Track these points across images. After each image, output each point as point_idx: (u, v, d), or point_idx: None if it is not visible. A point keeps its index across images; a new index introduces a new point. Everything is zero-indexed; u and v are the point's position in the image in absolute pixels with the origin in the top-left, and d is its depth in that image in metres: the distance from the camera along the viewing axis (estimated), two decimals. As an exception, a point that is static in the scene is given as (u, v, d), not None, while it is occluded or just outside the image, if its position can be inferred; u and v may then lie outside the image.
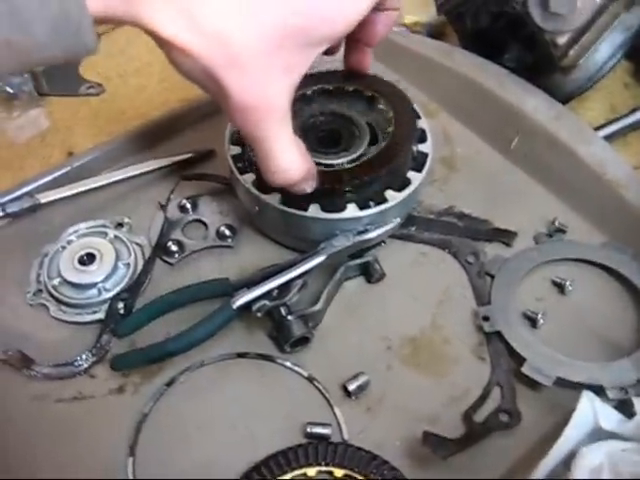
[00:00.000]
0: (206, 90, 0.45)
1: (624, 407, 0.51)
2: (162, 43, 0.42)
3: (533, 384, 0.54)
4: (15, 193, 0.63)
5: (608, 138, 0.69)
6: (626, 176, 0.62)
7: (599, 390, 0.52)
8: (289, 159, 0.49)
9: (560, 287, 0.60)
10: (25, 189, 0.64)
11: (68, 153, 0.72)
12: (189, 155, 0.68)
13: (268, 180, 0.50)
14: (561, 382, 0.53)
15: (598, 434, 0.49)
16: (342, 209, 0.57)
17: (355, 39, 0.57)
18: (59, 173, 0.66)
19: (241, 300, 0.54)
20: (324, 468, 0.50)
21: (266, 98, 0.44)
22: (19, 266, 0.61)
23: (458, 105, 0.72)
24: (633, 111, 0.71)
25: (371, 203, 0.58)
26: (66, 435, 0.53)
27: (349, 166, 0.58)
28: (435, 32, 0.81)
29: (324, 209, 0.57)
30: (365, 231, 0.58)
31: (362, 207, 0.57)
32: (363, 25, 0.50)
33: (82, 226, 0.63)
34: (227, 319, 0.54)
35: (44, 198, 0.62)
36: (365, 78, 0.63)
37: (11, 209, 0.61)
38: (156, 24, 0.40)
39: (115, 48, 0.86)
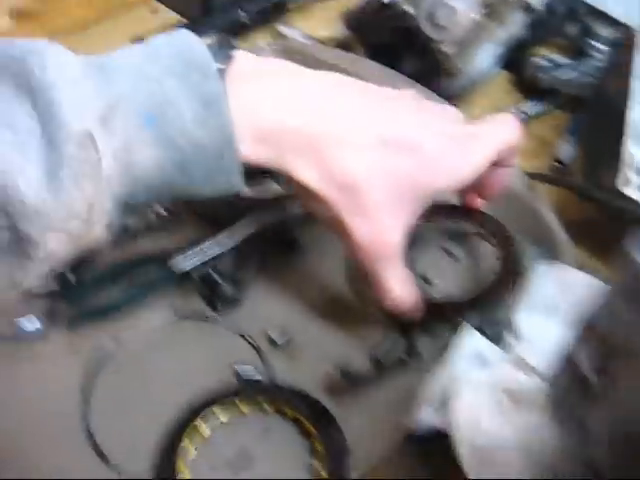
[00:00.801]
0: (327, 226, 0.54)
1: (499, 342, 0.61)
2: (298, 187, 0.50)
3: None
4: None
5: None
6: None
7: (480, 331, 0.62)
8: (398, 293, 0.57)
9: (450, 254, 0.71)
10: None
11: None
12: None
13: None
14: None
15: (481, 361, 0.59)
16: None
17: (468, 190, 0.62)
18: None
19: (180, 265, 0.63)
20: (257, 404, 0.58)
21: (383, 241, 0.52)
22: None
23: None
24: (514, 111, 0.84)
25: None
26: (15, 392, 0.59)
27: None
28: (345, 45, 0.91)
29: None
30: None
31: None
32: (478, 180, 0.57)
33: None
34: (165, 279, 0.64)
35: None
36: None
37: None
38: (295, 171, 0.48)
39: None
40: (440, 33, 0.73)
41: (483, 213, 0.70)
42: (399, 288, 0.57)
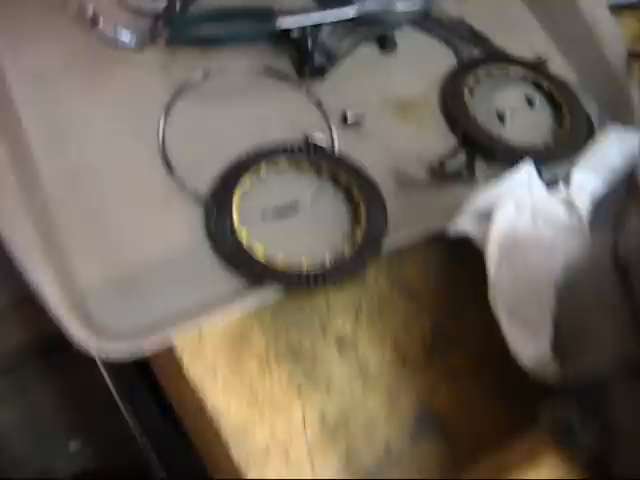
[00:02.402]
0: None
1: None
2: None
3: (489, 157, 0.68)
4: None
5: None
6: (611, 36, 0.75)
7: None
8: None
9: (530, 102, 0.73)
10: None
11: None
12: None
13: None
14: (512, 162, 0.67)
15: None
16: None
17: None
18: None
19: (282, 23, 0.66)
20: (314, 164, 0.63)
21: None
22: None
23: None
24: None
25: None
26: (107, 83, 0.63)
27: None
28: None
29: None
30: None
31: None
32: None
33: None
34: (265, 33, 0.66)
35: None
36: None
37: None
38: None
39: None
40: None
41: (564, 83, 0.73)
42: None
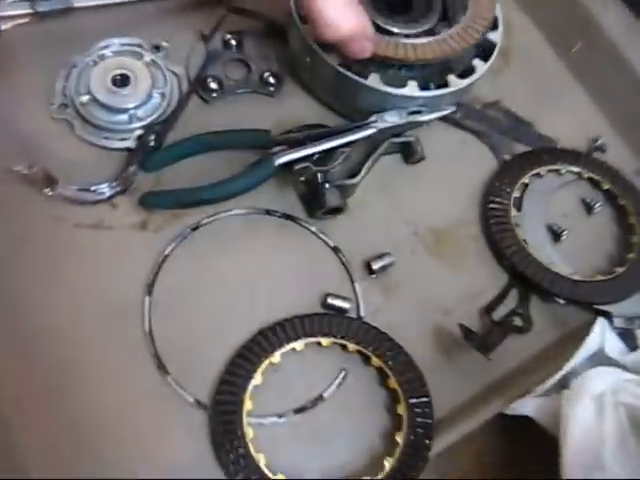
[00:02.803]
0: None
1: (627, 337, 0.54)
2: None
3: (545, 294, 0.55)
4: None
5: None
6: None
7: (607, 316, 0.54)
8: (338, 11, 0.47)
9: (588, 207, 0.60)
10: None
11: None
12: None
13: (318, 35, 0.49)
14: (574, 301, 0.55)
15: (599, 358, 0.51)
16: (402, 85, 0.54)
17: None
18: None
19: (284, 158, 0.52)
20: (338, 340, 0.51)
21: None
22: (44, 73, 0.56)
23: (526, -8, 0.68)
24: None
25: (431, 84, 0.55)
26: (82, 262, 0.51)
27: (417, 42, 0.54)
28: None
29: (384, 81, 0.54)
30: (418, 112, 0.55)
31: (422, 87, 0.54)
32: None
33: (116, 41, 0.57)
34: (267, 175, 0.52)
35: (78, 1, 0.56)
36: None
37: (41, 8, 0.55)
38: None
39: None
40: None
41: (624, 177, 0.61)
42: (338, 7, 0.47)
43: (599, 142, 0.62)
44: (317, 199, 0.54)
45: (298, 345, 0.50)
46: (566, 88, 0.65)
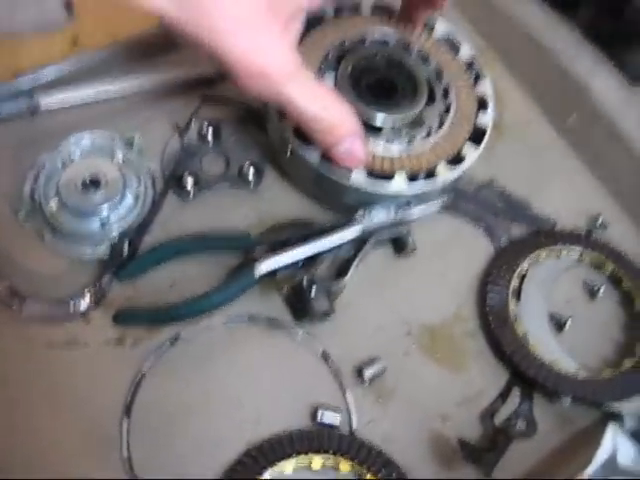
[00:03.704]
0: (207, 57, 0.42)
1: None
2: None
3: (550, 394, 0.52)
4: (10, 90, 0.54)
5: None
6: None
7: (617, 416, 0.51)
8: (323, 111, 0.45)
9: (591, 292, 0.57)
10: (23, 86, 0.54)
11: (72, 41, 0.61)
12: (215, 70, 0.59)
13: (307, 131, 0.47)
14: (581, 400, 0.52)
15: (612, 468, 0.48)
16: (389, 178, 0.51)
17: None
18: (63, 70, 0.56)
19: (264, 268, 0.49)
20: (330, 457, 0.48)
21: (271, 60, 0.42)
22: (11, 176, 0.53)
23: (517, 61, 0.65)
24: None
25: (420, 174, 0.52)
26: (56, 385, 0.48)
27: (409, 152, 0.52)
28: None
29: (369, 175, 0.51)
30: (407, 206, 0.52)
31: (411, 179, 0.51)
32: None
33: (86, 137, 0.54)
34: (247, 287, 0.49)
35: (45, 100, 0.54)
36: None
37: (6, 110, 0.52)
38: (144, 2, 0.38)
39: None
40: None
41: (629, 259, 0.57)
42: (309, 103, 0.45)
43: (600, 220, 0.59)
44: (303, 305, 0.50)
45: (288, 465, 0.47)
46: (562, 162, 0.62)
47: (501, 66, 0.66)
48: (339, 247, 0.52)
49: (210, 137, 0.57)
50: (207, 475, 0.46)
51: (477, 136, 0.54)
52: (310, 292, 0.50)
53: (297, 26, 0.44)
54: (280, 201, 0.56)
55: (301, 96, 0.44)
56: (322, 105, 0.45)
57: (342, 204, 0.53)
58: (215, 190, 0.55)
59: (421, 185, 0.51)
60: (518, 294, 0.55)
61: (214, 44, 0.40)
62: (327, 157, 0.49)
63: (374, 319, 0.53)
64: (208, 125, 0.57)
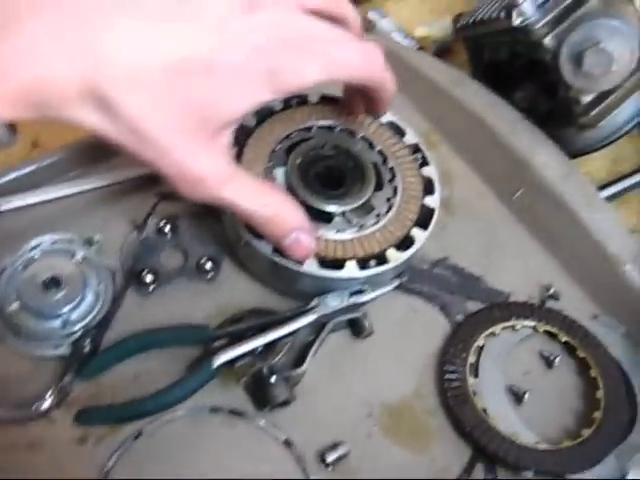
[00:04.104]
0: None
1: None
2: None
3: (512, 467, 0.53)
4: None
5: (611, 197, 0.67)
6: (627, 250, 0.60)
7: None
8: (263, 208, 0.47)
9: (548, 362, 0.58)
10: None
11: (33, 144, 0.63)
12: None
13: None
14: (543, 473, 0.52)
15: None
16: (340, 267, 0.53)
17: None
18: (22, 174, 0.58)
19: (222, 359, 0.50)
20: None
21: (203, 168, 0.43)
22: (-28, 281, 0.54)
23: (463, 141, 0.68)
24: (636, 171, 0.69)
25: (371, 262, 0.54)
26: (18, 490, 0.48)
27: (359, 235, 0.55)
28: (443, 49, 0.75)
29: (321, 263, 0.53)
30: (361, 291, 0.54)
31: (362, 267, 0.53)
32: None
33: (47, 239, 0.56)
34: (206, 380, 0.50)
35: (4, 204, 0.55)
36: None
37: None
38: (73, 118, 0.40)
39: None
40: (585, 82, 0.57)
41: (581, 326, 0.59)
42: (248, 203, 0.46)
43: (551, 290, 0.61)
44: (264, 393, 0.51)
45: None
46: (513, 236, 0.64)
47: (448, 147, 0.69)
48: (297, 333, 0.53)
49: (168, 232, 0.58)
50: None
51: (425, 218, 0.56)
52: (270, 380, 0.51)
53: (227, 135, 0.46)
54: (238, 292, 0.57)
55: (240, 197, 0.45)
56: (262, 203, 0.46)
57: (298, 291, 0.55)
58: (174, 284, 0.57)
59: (372, 271, 0.53)
60: (476, 369, 0.56)
61: (149, 156, 0.42)
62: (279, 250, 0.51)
63: (335, 403, 0.54)
64: (166, 221, 0.58)
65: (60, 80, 0.38)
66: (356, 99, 0.57)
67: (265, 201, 0.47)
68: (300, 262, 0.52)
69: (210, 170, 0.44)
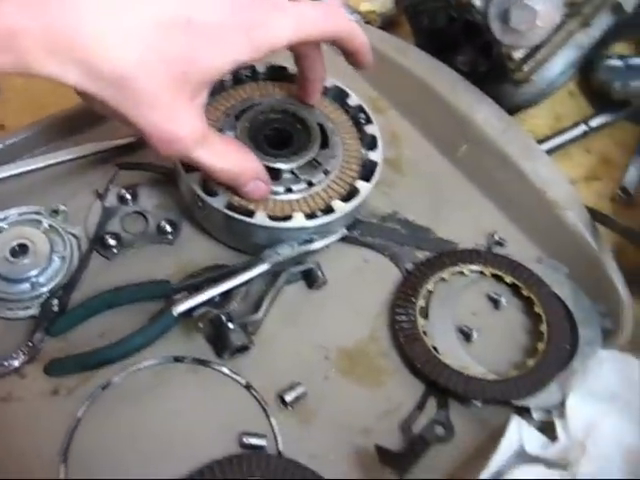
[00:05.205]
0: (118, 121, 0.47)
1: (547, 429, 0.54)
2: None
3: (462, 399, 0.56)
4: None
5: (551, 151, 0.70)
6: (566, 196, 0.64)
7: (525, 410, 0.55)
8: (228, 165, 0.52)
9: (495, 302, 0.61)
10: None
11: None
12: (130, 139, 0.64)
13: (216, 181, 0.55)
14: (490, 401, 0.56)
15: (522, 457, 0.51)
16: (288, 218, 0.56)
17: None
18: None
19: (182, 307, 0.53)
20: (259, 480, 0.51)
21: (181, 128, 0.47)
22: (-56, 252, 0.58)
23: (408, 105, 0.72)
24: (575, 125, 0.72)
25: (318, 212, 0.57)
26: (-7, 439, 0.51)
27: (303, 195, 0.59)
28: (388, 22, 0.79)
29: (271, 218, 0.56)
30: (310, 240, 0.57)
31: (309, 217, 0.57)
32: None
33: (13, 212, 0.59)
34: (167, 326, 0.54)
35: (-28, 179, 0.59)
36: None
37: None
38: (54, 75, 0.41)
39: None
40: (513, 37, 0.61)
41: (525, 268, 0.62)
42: (216, 162, 0.51)
43: (496, 237, 0.64)
44: (223, 341, 0.54)
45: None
46: (459, 189, 0.68)
47: (395, 112, 0.73)
48: (251, 282, 0.56)
49: (129, 200, 0.62)
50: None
51: (369, 172, 0.60)
52: (227, 327, 0.54)
53: (204, 96, 0.49)
54: (197, 251, 0.61)
55: (209, 157, 0.50)
56: (230, 161, 0.52)
57: (252, 246, 0.58)
58: (137, 247, 0.60)
59: (320, 220, 0.57)
60: (426, 312, 0.60)
61: (130, 115, 0.45)
62: (232, 206, 0.55)
63: (293, 348, 0.57)
64: (126, 189, 0.62)
65: (34, 31, 0.39)
66: (313, 85, 0.61)
67: (232, 158, 0.52)
68: (250, 215, 0.55)
69: (187, 130, 0.47)
